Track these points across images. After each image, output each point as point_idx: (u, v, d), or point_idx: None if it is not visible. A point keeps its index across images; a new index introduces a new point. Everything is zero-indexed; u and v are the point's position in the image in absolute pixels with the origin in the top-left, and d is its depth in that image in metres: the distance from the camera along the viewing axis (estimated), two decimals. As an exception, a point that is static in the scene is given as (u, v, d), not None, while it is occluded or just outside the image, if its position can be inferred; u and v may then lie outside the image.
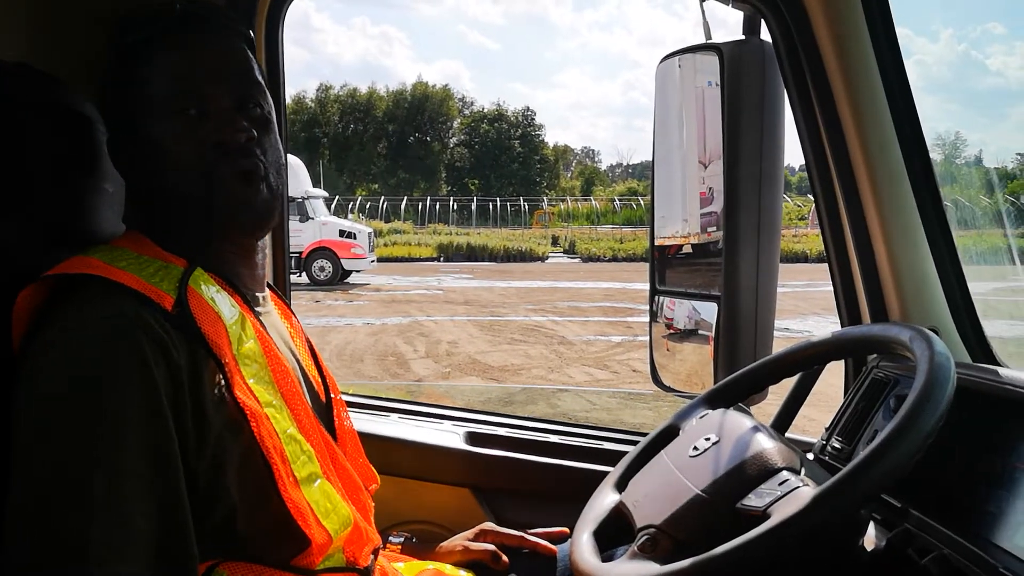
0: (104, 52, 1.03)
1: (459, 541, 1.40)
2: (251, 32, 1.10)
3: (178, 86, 0.99)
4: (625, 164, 72.32)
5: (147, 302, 0.89)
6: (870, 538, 0.97)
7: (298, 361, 1.13)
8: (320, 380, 1.17)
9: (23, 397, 0.85)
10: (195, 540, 0.87)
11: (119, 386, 0.84)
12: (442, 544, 1.40)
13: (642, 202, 38.96)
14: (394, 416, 1.88)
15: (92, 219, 1.06)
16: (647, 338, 1.68)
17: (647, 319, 1.67)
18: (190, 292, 0.94)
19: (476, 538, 1.40)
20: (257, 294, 1.10)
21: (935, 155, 1.34)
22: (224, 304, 0.98)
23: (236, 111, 1.01)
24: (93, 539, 0.79)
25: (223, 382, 0.91)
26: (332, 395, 1.17)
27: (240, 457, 0.92)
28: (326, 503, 1.00)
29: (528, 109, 62.69)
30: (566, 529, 1.40)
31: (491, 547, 1.36)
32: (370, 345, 10.17)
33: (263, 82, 1.07)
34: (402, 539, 1.42)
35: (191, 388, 0.89)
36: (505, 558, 1.36)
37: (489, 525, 1.43)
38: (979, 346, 1.35)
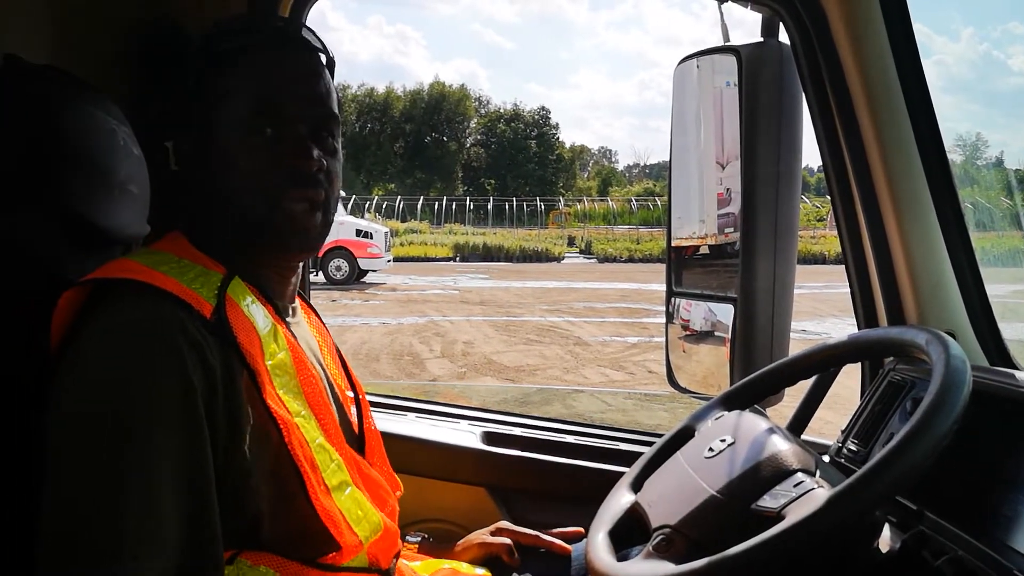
0: (127, 54, 1.05)
1: (476, 537, 1.41)
2: (333, 58, 1.11)
3: (261, 103, 1.00)
4: (642, 164, 72.17)
5: (186, 307, 0.90)
6: (885, 540, 0.97)
7: (326, 373, 1.14)
8: (348, 386, 1.18)
9: (60, 397, 0.86)
10: (222, 542, 0.88)
11: (156, 387, 0.85)
12: (459, 542, 1.42)
13: (659, 202, 38.84)
14: (411, 415, 1.89)
15: (117, 220, 1.07)
16: (663, 339, 1.68)
17: (663, 320, 1.67)
18: (228, 300, 0.95)
19: (492, 536, 1.42)
20: (289, 306, 1.11)
21: (955, 157, 1.34)
22: (259, 314, 0.99)
23: (310, 138, 1.03)
24: (125, 535, 0.80)
25: (255, 390, 0.92)
26: (361, 400, 1.19)
27: (270, 465, 0.93)
28: (357, 511, 1.02)
29: (544, 108, 62.75)
30: (581, 529, 1.41)
31: (507, 541, 1.38)
32: (386, 345, 10.20)
33: (339, 113, 1.09)
34: (419, 539, 1.43)
35: (225, 393, 0.90)
36: (517, 555, 1.38)
37: (505, 524, 1.44)
38: (996, 349, 1.34)
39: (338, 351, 1.23)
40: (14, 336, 0.94)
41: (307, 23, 1.68)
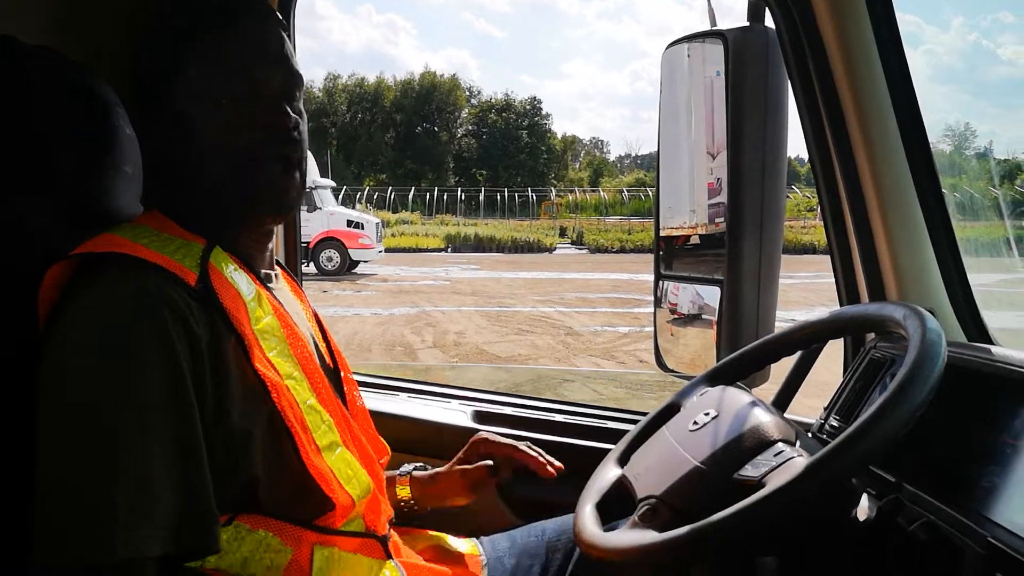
0: (124, 36, 1.06)
1: (455, 470, 1.39)
2: (285, 24, 1.12)
3: (229, 69, 1.01)
4: (634, 155, 72.01)
5: (171, 278, 0.92)
6: (864, 510, 0.99)
7: (313, 337, 1.16)
8: (330, 356, 1.20)
9: (47, 370, 0.88)
10: (216, 504, 0.90)
11: (142, 358, 0.87)
12: (439, 471, 1.40)
13: (650, 193, 38.61)
14: (403, 395, 1.92)
15: (113, 200, 1.09)
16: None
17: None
18: (211, 269, 0.97)
19: (468, 454, 1.40)
20: (268, 272, 1.13)
21: (945, 146, 1.36)
22: (242, 281, 1.01)
23: (282, 97, 1.04)
24: (118, 506, 0.82)
25: (243, 355, 0.95)
26: (342, 373, 1.21)
27: (262, 427, 0.95)
28: (347, 470, 1.04)
29: (535, 99, 62.57)
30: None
31: (486, 463, 1.36)
32: (378, 335, 10.21)
33: (301, 74, 1.10)
34: (412, 468, 1.43)
35: (211, 361, 0.92)
36: (500, 470, 1.37)
37: (481, 435, 1.42)
38: (976, 328, 1.37)
39: (317, 317, 1.24)
40: (8, 316, 0.96)
41: (295, 11, 1.70)
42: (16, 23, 1.07)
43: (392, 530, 1.20)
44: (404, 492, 1.39)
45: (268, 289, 1.08)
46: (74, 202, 1.03)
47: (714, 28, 1.44)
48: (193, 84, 1.01)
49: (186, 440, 0.88)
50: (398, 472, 1.41)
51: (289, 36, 1.11)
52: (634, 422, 1.78)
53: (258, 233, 1.10)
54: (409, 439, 1.72)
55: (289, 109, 1.04)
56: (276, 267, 1.18)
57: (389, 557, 1.12)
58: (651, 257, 1.68)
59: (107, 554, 0.81)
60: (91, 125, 1.06)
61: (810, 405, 1.42)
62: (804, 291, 13.96)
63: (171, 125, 1.02)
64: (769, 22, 1.43)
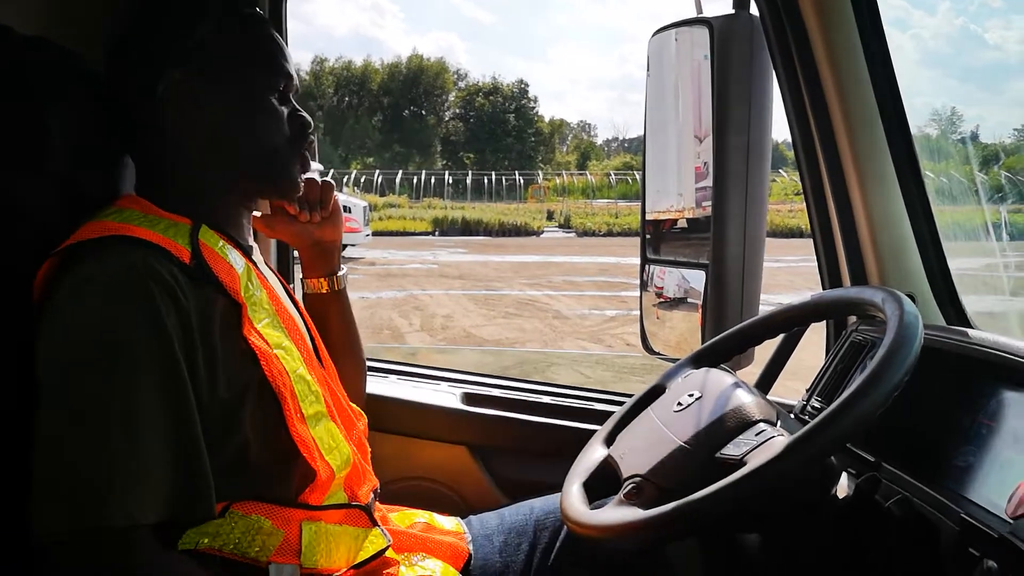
0: (122, 25, 1.07)
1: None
2: None
3: (268, 61, 1.09)
4: (621, 138, 71.90)
5: (161, 252, 0.95)
6: (843, 488, 1.02)
7: (297, 307, 1.21)
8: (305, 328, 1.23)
9: (41, 348, 0.91)
10: (211, 474, 0.93)
11: (131, 330, 0.90)
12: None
13: (638, 176, 38.36)
14: (393, 377, 1.94)
15: (109, 187, 1.10)
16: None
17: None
18: (202, 246, 1.01)
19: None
20: (251, 246, 1.17)
21: (931, 130, 1.38)
22: (233, 256, 1.05)
23: (293, 92, 1.13)
24: (113, 472, 0.85)
25: (236, 326, 0.98)
26: (316, 342, 1.23)
27: (252, 394, 0.98)
28: (330, 440, 1.07)
29: (523, 82, 62.32)
30: None
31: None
32: (365, 319, 10.19)
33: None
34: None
35: (201, 331, 0.95)
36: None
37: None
38: (955, 312, 1.40)
39: (290, 292, 1.28)
40: (5, 296, 0.97)
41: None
42: (13, 13, 1.08)
43: (378, 502, 1.23)
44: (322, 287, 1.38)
45: (253, 263, 1.11)
46: (72, 189, 1.05)
47: (700, 15, 1.45)
48: (231, 74, 1.07)
49: (177, 407, 0.91)
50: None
51: (282, 32, 1.15)
52: (620, 404, 1.81)
53: (245, 209, 1.15)
54: (398, 420, 1.75)
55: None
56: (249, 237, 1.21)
57: (375, 524, 1.15)
58: (638, 241, 1.69)
59: (104, 521, 0.84)
60: (86, 114, 1.07)
61: (792, 387, 1.44)
62: (790, 274, 14.03)
63: (173, 115, 1.05)
64: (754, 10, 1.44)
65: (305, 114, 1.13)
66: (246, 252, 1.12)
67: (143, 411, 0.88)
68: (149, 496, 0.87)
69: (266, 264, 1.24)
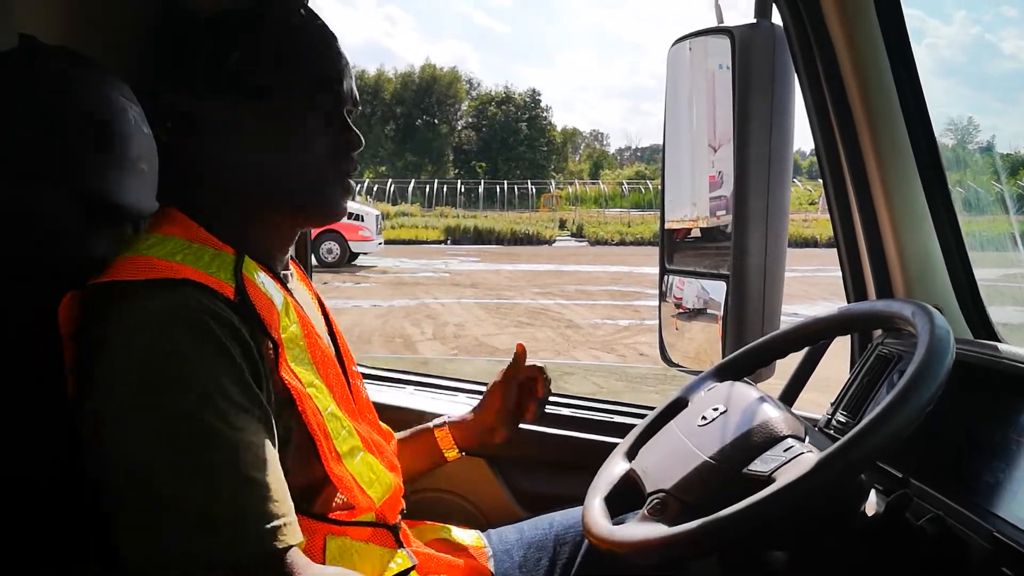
0: (140, 34, 1.07)
1: (495, 392, 1.47)
2: None
3: (317, 72, 1.03)
4: (634, 147, 72.04)
5: (209, 292, 0.90)
6: (872, 505, 1.00)
7: (333, 341, 1.17)
8: (335, 347, 1.20)
9: (104, 395, 0.84)
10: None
11: (203, 367, 0.84)
12: (483, 403, 1.48)
13: (651, 186, 38.80)
14: (410, 388, 1.93)
15: (129, 197, 1.09)
16: (655, 322, 1.71)
17: (655, 303, 1.70)
18: (245, 280, 0.96)
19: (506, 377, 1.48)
20: (286, 272, 1.12)
21: (947, 140, 1.36)
22: (272, 289, 1.00)
23: (347, 105, 1.06)
24: (214, 509, 0.80)
25: (275, 363, 0.94)
26: (347, 366, 1.19)
27: (286, 434, 0.94)
28: (369, 473, 1.05)
29: (535, 91, 62.49)
30: None
31: (537, 365, 1.45)
32: (378, 327, 10.21)
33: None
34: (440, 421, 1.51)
35: (254, 366, 0.90)
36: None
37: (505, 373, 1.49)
38: (981, 324, 1.38)
39: (323, 307, 1.25)
40: (23, 304, 0.97)
41: None
42: (35, 22, 1.07)
43: (402, 521, 1.21)
44: (452, 454, 1.46)
45: (289, 292, 1.07)
46: (92, 198, 1.04)
47: (721, 25, 1.44)
48: (278, 85, 1.01)
49: (262, 441, 0.86)
50: (432, 424, 1.47)
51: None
52: (640, 416, 1.79)
53: (291, 235, 1.10)
54: None
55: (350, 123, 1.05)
56: (291, 263, 1.17)
57: (401, 546, 1.14)
58: (651, 250, 1.69)
59: (266, 547, 0.81)
60: (108, 123, 1.06)
61: (813, 400, 1.43)
62: (805, 284, 13.97)
63: (208, 129, 1.02)
64: (776, 19, 1.43)
65: (355, 131, 1.06)
66: (283, 279, 1.08)
67: (245, 437, 0.84)
68: (244, 531, 0.81)
69: (296, 267, 1.20)
